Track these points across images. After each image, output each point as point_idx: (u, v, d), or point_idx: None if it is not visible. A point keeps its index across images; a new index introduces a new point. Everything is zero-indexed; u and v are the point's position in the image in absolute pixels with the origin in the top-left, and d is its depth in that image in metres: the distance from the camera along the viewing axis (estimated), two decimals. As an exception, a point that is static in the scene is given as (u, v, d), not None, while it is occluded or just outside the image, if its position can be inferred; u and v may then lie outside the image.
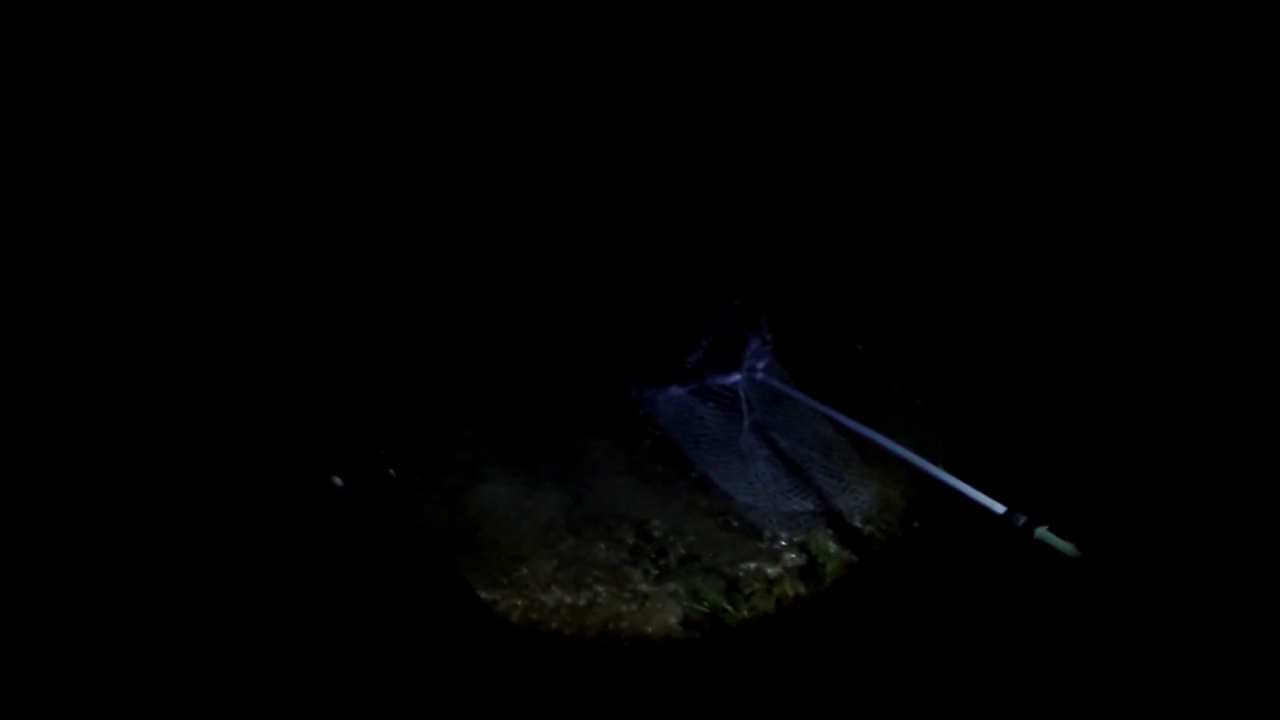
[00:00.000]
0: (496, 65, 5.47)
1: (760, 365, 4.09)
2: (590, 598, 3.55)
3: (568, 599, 3.56)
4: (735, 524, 3.79)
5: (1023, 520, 2.56)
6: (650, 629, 3.46)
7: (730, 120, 5.65)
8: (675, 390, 4.14)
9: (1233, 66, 4.65)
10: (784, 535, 3.74)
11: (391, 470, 3.99)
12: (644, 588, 3.58)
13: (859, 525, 3.78)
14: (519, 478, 4.13)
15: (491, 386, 4.60)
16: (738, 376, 4.07)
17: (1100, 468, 3.85)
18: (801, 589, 3.51)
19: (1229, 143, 4.72)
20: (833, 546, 3.66)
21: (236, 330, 4.44)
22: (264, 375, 4.28)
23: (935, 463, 3.34)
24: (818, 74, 5.59)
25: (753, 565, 3.61)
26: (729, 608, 3.42)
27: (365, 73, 5.28)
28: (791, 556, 3.63)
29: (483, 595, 3.52)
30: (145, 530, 3.19)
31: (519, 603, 3.51)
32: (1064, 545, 2.46)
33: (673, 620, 3.47)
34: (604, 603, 3.54)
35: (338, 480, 3.26)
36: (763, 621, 3.43)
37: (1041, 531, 2.50)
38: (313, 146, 5.21)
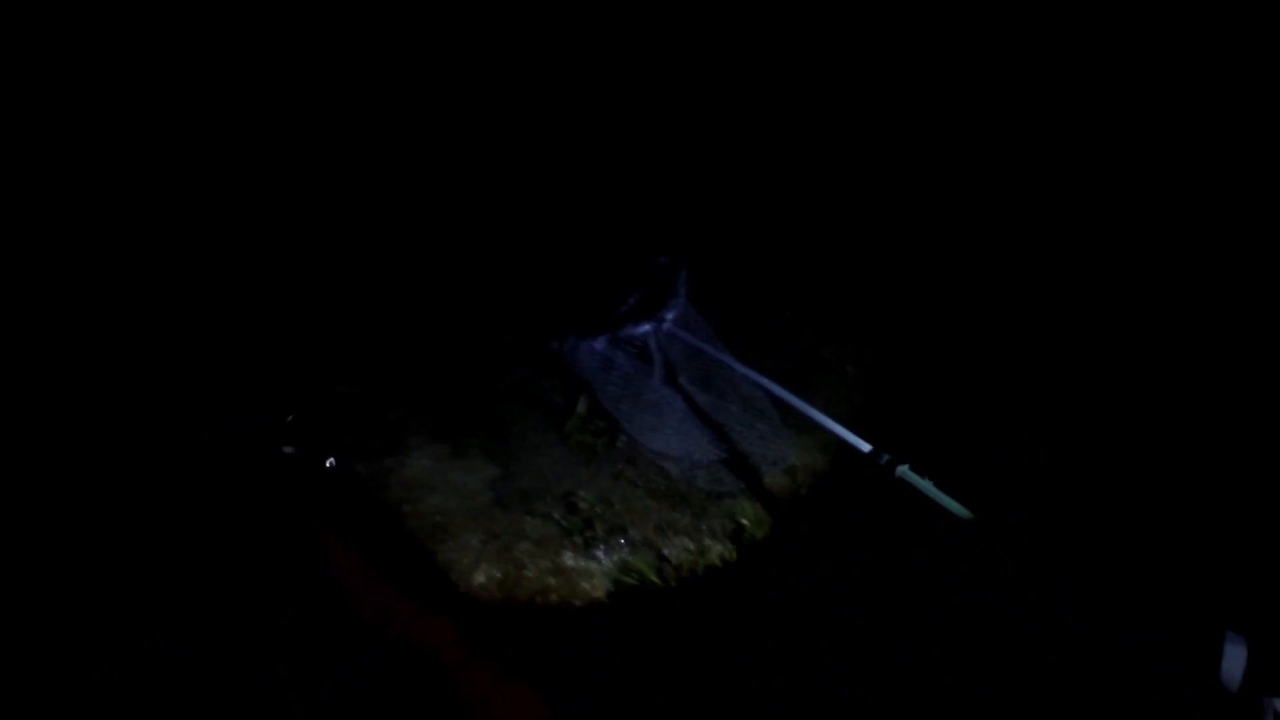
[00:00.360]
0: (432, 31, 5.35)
1: (670, 317, 4.00)
2: (518, 572, 3.49)
3: (496, 574, 3.50)
4: (663, 492, 3.75)
5: (885, 459, 2.57)
6: (578, 601, 3.42)
7: (669, 82, 5.56)
8: (592, 342, 4.05)
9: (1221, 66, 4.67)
10: (705, 491, 3.71)
11: (331, 460, 3.91)
12: (572, 561, 3.53)
13: (781, 484, 3.76)
14: (445, 449, 4.05)
15: (414, 355, 4.50)
16: (646, 327, 3.99)
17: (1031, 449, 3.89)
18: (729, 555, 3.48)
19: (1197, 131, 4.76)
20: (758, 512, 3.64)
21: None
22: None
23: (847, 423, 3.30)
24: (755, 30, 5.52)
25: (680, 535, 3.58)
26: (656, 579, 3.39)
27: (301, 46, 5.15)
28: (718, 524, 3.60)
29: (409, 571, 3.46)
30: (142, 530, 3.12)
31: (448, 577, 3.45)
32: (924, 484, 2.47)
33: (601, 592, 3.43)
34: (532, 576, 3.49)
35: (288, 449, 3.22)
36: (691, 589, 3.40)
37: (903, 470, 2.52)
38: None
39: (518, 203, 5.24)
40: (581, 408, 4.07)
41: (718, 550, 3.50)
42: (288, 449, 3.91)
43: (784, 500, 3.71)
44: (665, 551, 3.51)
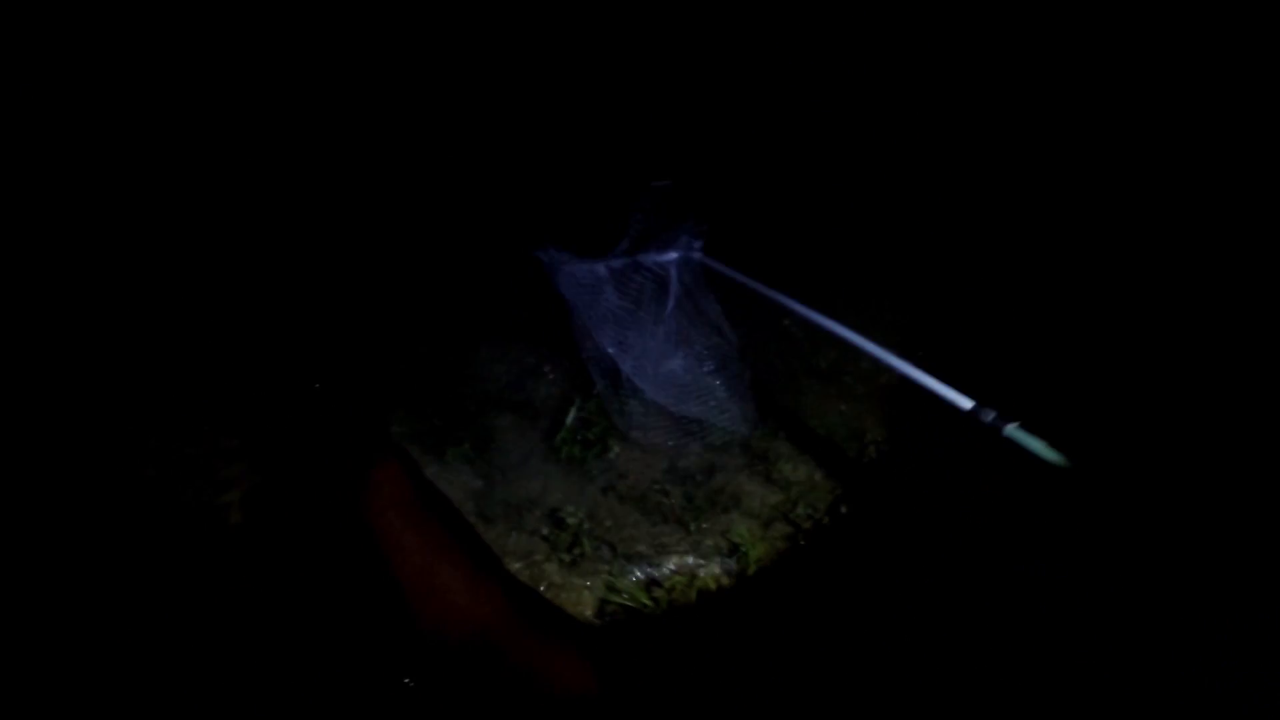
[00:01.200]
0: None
1: (698, 245, 3.76)
2: (502, 590, 3.34)
3: (478, 592, 3.34)
4: (654, 508, 3.61)
5: (991, 416, 2.24)
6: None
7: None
8: (592, 266, 3.75)
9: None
10: (700, 507, 3.57)
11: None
12: (558, 579, 3.38)
13: (778, 500, 3.63)
14: (428, 460, 3.90)
15: (394, 358, 4.35)
16: (673, 255, 3.72)
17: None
18: (725, 580, 3.34)
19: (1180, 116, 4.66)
20: (753, 531, 3.50)
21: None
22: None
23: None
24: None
25: (673, 554, 3.44)
26: (648, 601, 3.25)
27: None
28: (712, 543, 3.46)
29: (390, 589, 3.30)
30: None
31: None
32: (1038, 445, 2.13)
33: (588, 613, 3.29)
34: (516, 596, 3.33)
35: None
36: (683, 613, 3.26)
37: (1011, 429, 2.15)
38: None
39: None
40: (571, 418, 3.92)
41: (713, 576, 3.35)
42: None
43: (788, 528, 3.57)
44: (655, 572, 3.37)
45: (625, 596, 3.26)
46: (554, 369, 4.28)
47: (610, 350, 3.76)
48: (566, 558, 3.42)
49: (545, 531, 3.52)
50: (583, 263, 3.81)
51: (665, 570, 3.37)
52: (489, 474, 3.80)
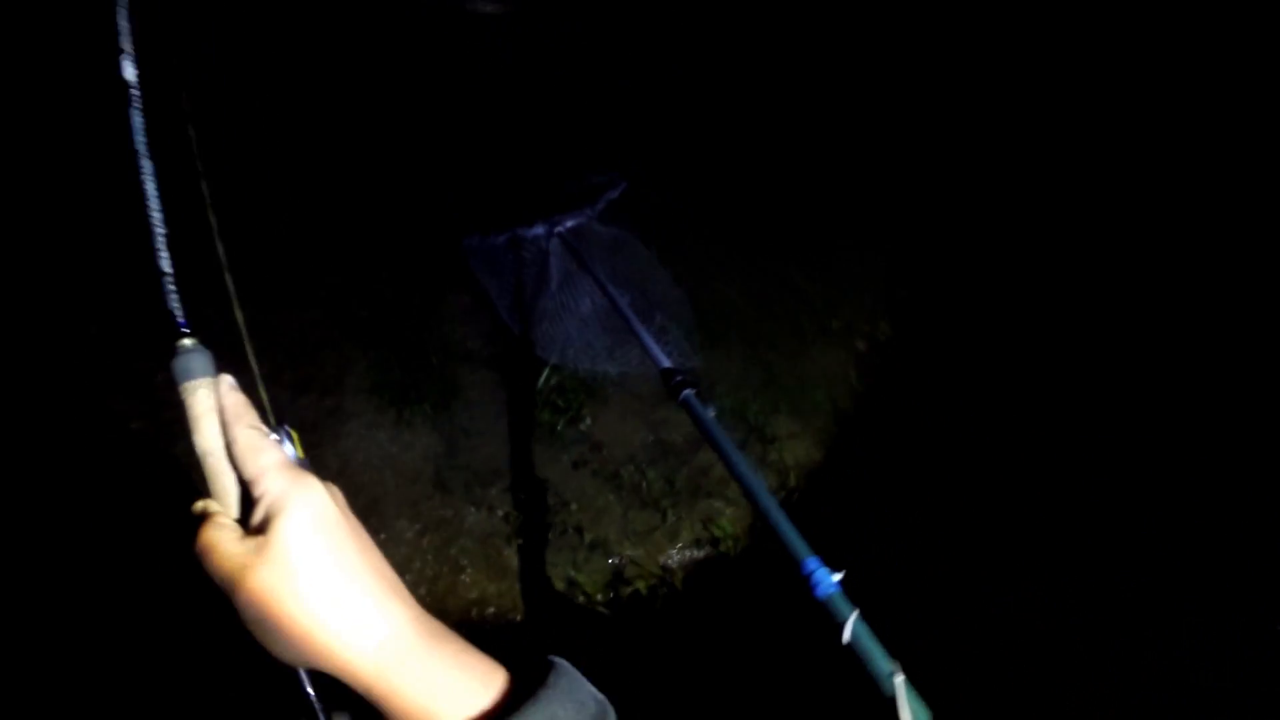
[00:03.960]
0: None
1: (569, 224, 3.47)
2: (454, 575, 2.98)
3: (429, 572, 2.99)
4: (628, 487, 3.19)
5: (677, 379, 2.06)
6: (519, 617, 2.92)
7: None
8: (493, 240, 3.52)
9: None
10: (679, 490, 3.15)
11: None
12: (516, 564, 3.00)
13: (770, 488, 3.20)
14: (386, 416, 3.50)
15: (357, 299, 3.91)
16: (540, 229, 3.46)
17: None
18: (700, 578, 2.94)
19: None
20: (736, 522, 3.08)
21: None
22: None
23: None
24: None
25: (643, 543, 3.04)
26: (610, 593, 2.86)
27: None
28: (690, 534, 3.05)
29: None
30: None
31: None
32: (703, 410, 1.94)
33: (547, 606, 2.92)
34: (469, 581, 2.98)
35: None
36: (648, 611, 2.88)
37: (688, 394, 2.00)
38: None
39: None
40: (544, 380, 3.48)
41: (685, 567, 2.95)
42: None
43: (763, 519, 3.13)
44: (623, 562, 2.97)
45: (585, 593, 2.88)
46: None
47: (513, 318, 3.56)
48: (527, 542, 3.03)
49: (506, 509, 3.12)
50: (490, 240, 3.54)
51: (634, 564, 2.97)
52: (451, 435, 3.39)
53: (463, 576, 2.99)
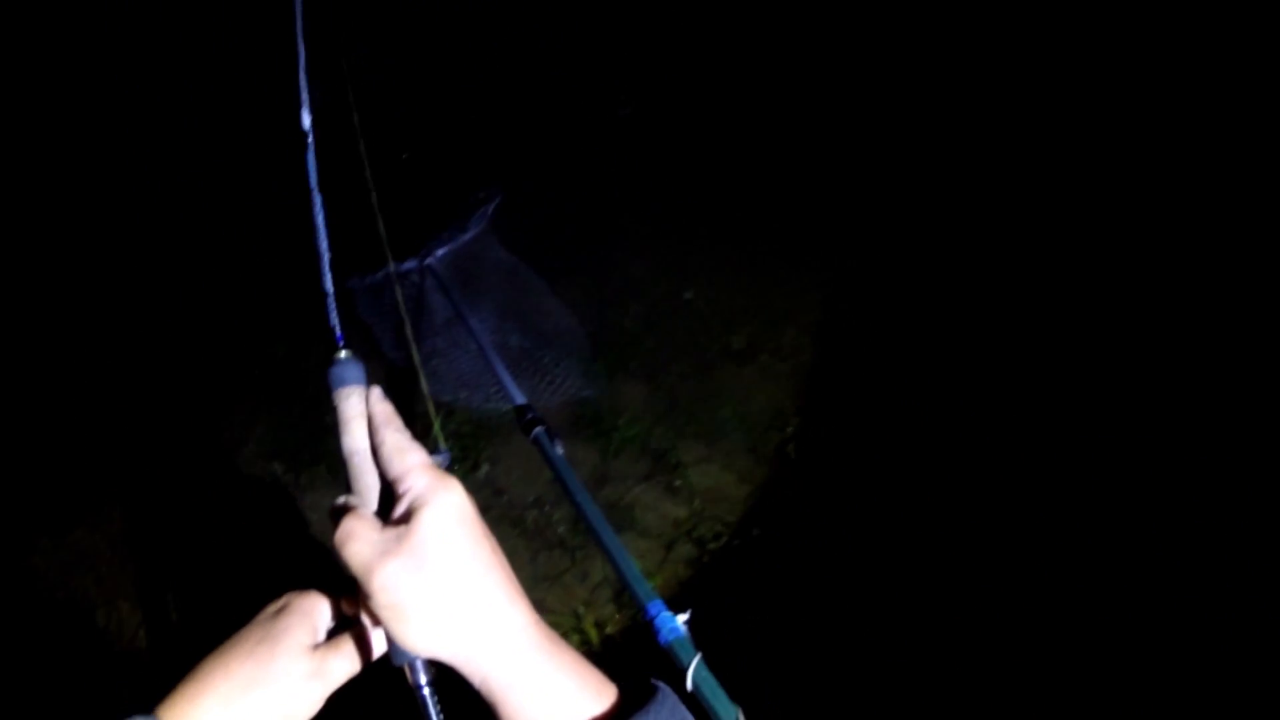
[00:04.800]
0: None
1: (439, 253, 3.35)
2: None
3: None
4: (534, 532, 3.11)
5: (530, 416, 2.03)
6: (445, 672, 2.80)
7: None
8: (371, 279, 3.39)
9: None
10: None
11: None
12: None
13: (681, 514, 3.12)
14: (286, 480, 3.40)
15: (249, 361, 3.81)
16: (412, 264, 3.34)
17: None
18: (615, 621, 2.86)
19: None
20: (655, 559, 3.00)
21: None
22: None
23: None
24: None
25: (556, 587, 2.95)
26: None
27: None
28: (601, 573, 2.97)
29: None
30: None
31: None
32: (554, 450, 1.92)
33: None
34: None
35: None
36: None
37: (539, 432, 1.96)
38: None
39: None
40: (436, 429, 3.38)
41: (599, 611, 2.87)
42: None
43: (688, 536, 3.07)
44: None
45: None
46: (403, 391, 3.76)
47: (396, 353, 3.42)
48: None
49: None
50: (368, 280, 3.40)
51: (546, 608, 2.88)
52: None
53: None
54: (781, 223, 4.15)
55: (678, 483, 3.22)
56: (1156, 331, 3.36)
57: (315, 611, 0.78)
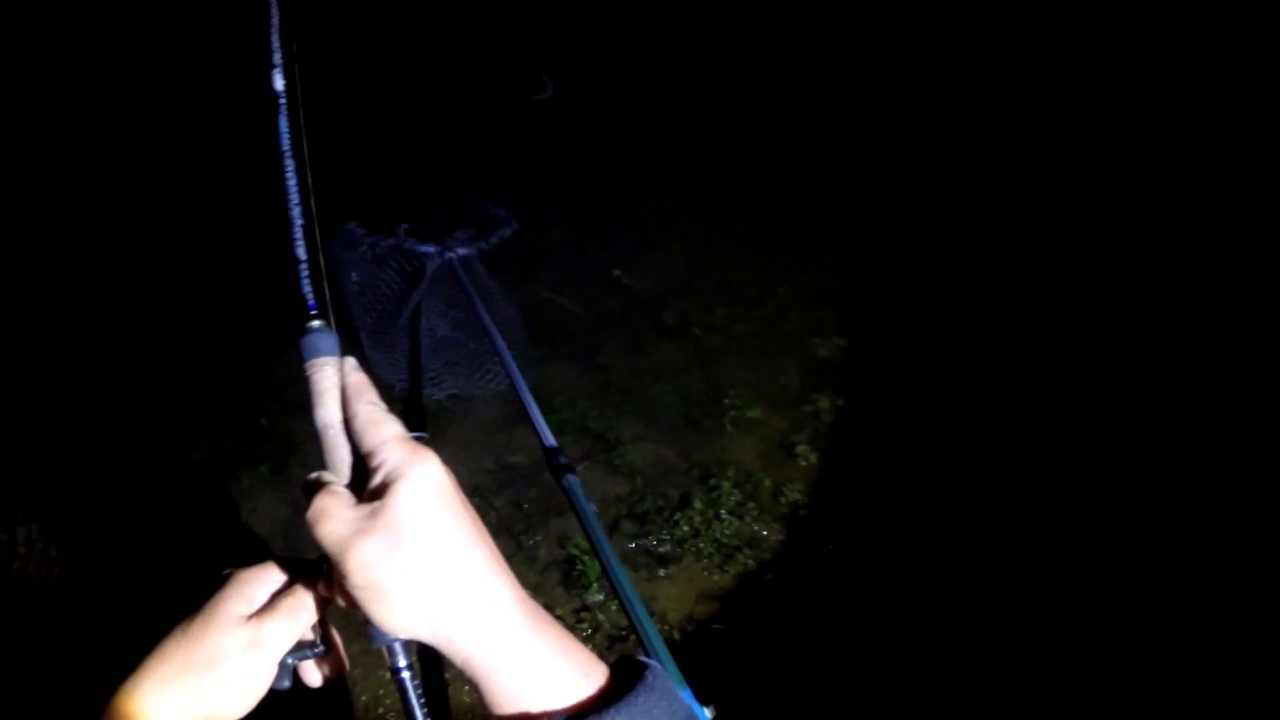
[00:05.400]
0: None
1: (462, 252, 3.35)
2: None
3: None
4: (496, 535, 3.11)
5: (560, 461, 2.00)
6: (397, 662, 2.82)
7: None
8: (377, 240, 3.35)
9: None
10: (531, 509, 3.10)
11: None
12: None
13: (621, 489, 3.18)
14: (228, 487, 3.36)
15: (186, 366, 3.74)
16: (431, 248, 3.33)
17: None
18: (564, 602, 2.90)
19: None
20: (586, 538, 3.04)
21: None
22: None
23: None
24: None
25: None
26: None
27: None
28: (547, 554, 3.01)
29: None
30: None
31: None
32: (584, 500, 1.86)
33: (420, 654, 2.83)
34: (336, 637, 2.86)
35: None
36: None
37: (570, 480, 1.92)
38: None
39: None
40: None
41: (546, 585, 2.91)
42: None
43: (631, 513, 3.12)
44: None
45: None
46: (364, 363, 3.72)
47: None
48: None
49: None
50: (373, 239, 3.34)
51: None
52: (293, 496, 3.27)
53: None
54: (710, 197, 4.20)
55: (618, 461, 3.27)
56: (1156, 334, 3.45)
57: (251, 581, 0.74)
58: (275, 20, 0.88)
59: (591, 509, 1.85)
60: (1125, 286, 3.73)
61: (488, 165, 4.38)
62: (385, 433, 0.66)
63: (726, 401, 3.47)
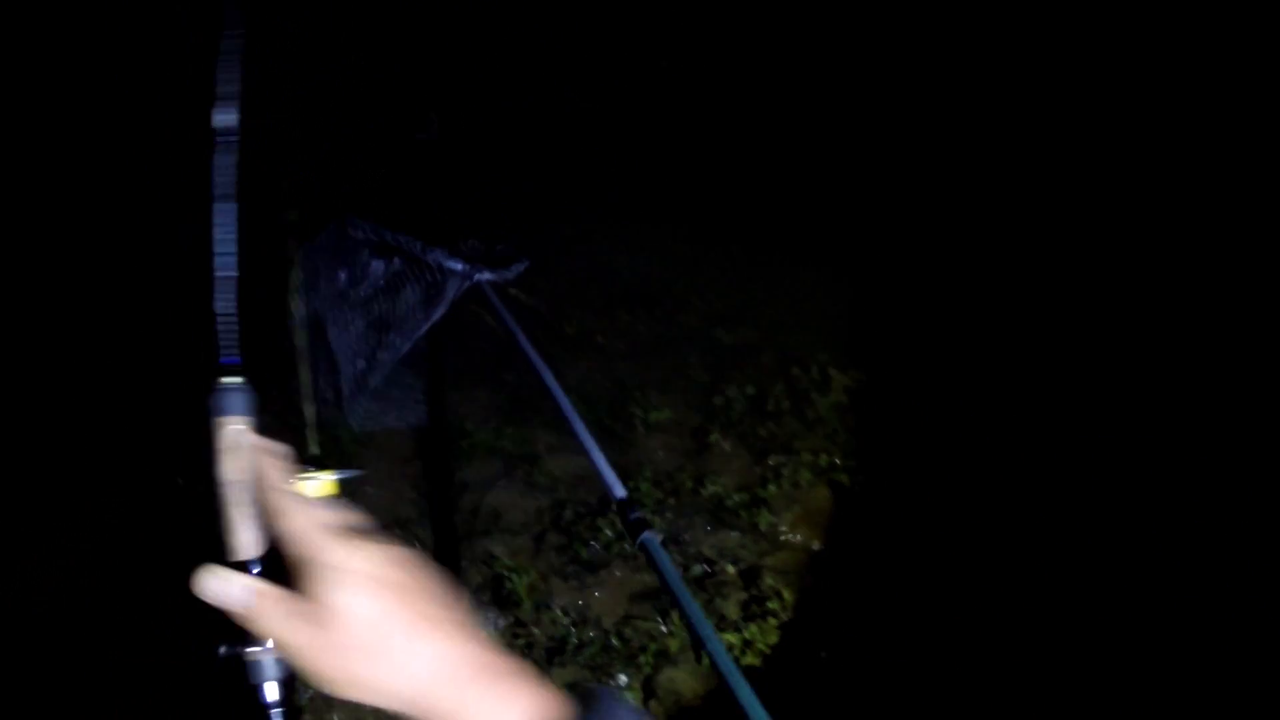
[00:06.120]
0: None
1: (488, 275, 3.41)
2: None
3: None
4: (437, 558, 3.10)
5: (635, 516, 1.92)
6: (335, 715, 2.79)
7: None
8: (403, 242, 3.36)
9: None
10: (459, 533, 3.10)
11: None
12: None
13: (531, 515, 3.20)
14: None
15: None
16: (458, 265, 3.36)
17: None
18: (495, 627, 2.90)
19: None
20: (525, 555, 3.06)
21: None
22: None
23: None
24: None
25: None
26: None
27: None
28: (477, 577, 3.01)
29: None
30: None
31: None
32: (665, 558, 1.76)
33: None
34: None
35: None
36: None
37: (647, 537, 1.83)
38: None
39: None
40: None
41: (477, 606, 2.90)
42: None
43: (556, 525, 3.15)
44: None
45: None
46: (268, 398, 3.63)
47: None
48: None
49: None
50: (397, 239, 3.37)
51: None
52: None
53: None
54: (604, 206, 4.26)
55: (536, 475, 3.29)
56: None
57: None
58: (230, 51, 0.81)
59: (675, 570, 1.74)
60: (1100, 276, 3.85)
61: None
62: (300, 522, 0.64)
63: (632, 406, 3.54)
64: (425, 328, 3.41)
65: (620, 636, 2.81)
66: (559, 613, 2.87)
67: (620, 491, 2.04)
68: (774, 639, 2.79)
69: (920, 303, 4.02)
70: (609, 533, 3.06)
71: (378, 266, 3.47)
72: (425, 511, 3.21)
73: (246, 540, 0.69)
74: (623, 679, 2.71)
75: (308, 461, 0.76)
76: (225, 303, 0.74)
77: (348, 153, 4.49)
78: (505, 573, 2.95)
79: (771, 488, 3.28)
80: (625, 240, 4.20)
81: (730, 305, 4.08)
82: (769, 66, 4.95)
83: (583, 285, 3.90)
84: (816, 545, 3.15)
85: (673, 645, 2.73)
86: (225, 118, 0.78)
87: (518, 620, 2.86)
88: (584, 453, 3.32)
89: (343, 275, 3.49)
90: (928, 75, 4.80)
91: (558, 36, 5.03)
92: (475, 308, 3.80)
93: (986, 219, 4.24)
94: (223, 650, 0.72)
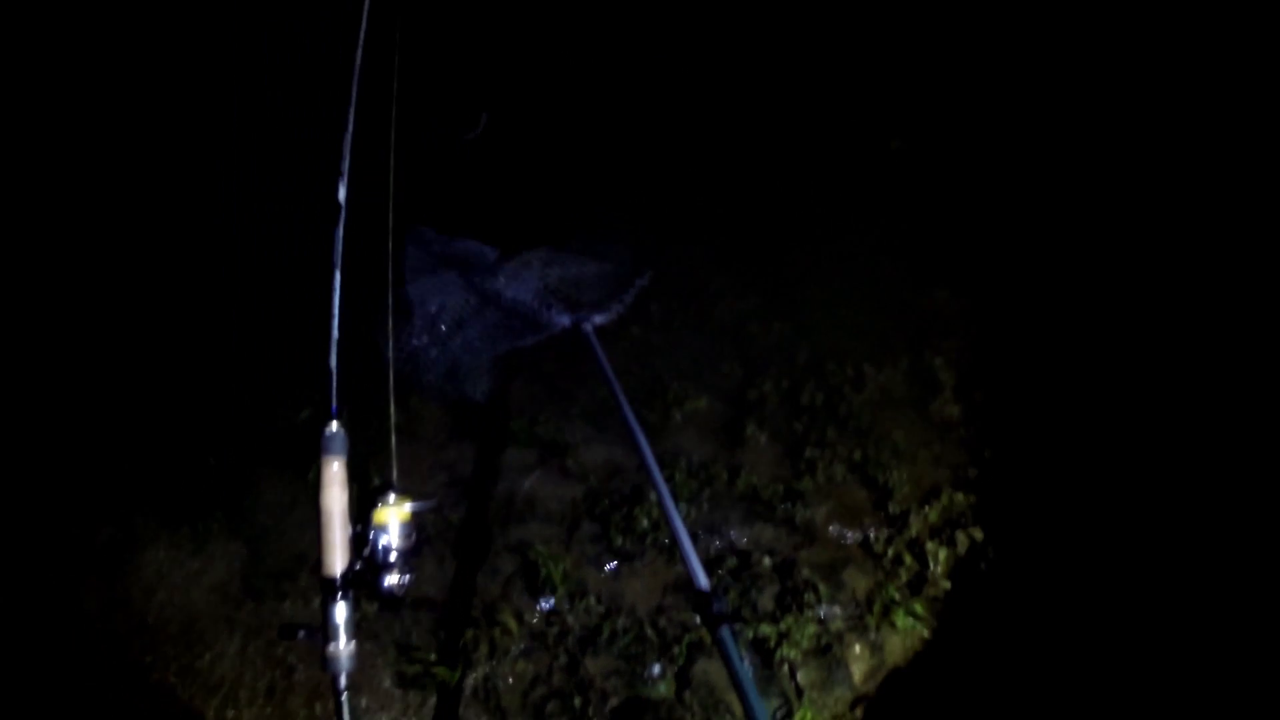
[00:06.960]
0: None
1: (596, 320, 3.53)
2: (287, 678, 2.88)
3: (261, 683, 2.87)
4: (441, 540, 3.15)
5: (717, 608, 1.84)
6: (364, 700, 2.84)
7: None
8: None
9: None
10: (505, 543, 3.13)
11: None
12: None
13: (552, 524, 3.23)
14: (181, 535, 3.32)
15: (125, 410, 3.67)
16: (566, 319, 3.53)
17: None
18: (534, 619, 2.93)
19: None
20: (559, 545, 3.08)
21: None
22: None
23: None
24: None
25: (466, 593, 3.01)
26: (445, 668, 2.80)
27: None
28: (511, 567, 3.04)
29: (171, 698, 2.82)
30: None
31: (212, 700, 2.80)
32: (737, 655, 1.73)
33: (386, 684, 2.86)
34: (302, 679, 2.87)
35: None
36: (490, 681, 2.82)
37: (724, 632, 1.78)
38: None
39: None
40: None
41: (513, 609, 2.94)
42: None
43: (590, 514, 3.18)
44: (457, 632, 2.91)
45: (419, 667, 2.82)
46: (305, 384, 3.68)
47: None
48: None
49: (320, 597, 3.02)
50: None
51: (461, 620, 2.93)
52: (253, 538, 3.26)
53: (296, 676, 2.90)
54: (634, 202, 4.29)
55: (570, 464, 3.32)
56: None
57: None
58: (350, 127, 0.88)
59: (747, 671, 1.74)
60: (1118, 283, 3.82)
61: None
62: None
63: (670, 395, 3.55)
64: (509, 347, 3.54)
65: (654, 626, 2.83)
66: (593, 600, 2.90)
67: (704, 582, 1.96)
68: (811, 630, 2.80)
69: (954, 305, 4.00)
70: (644, 523, 3.07)
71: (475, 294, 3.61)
72: (460, 496, 3.24)
73: (337, 559, 0.81)
74: (656, 669, 2.73)
75: (389, 488, 0.86)
76: (331, 359, 0.88)
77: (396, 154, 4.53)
78: (539, 560, 2.98)
79: (806, 481, 3.28)
80: (657, 234, 4.21)
81: (763, 301, 4.08)
82: (801, 58, 4.92)
83: (617, 274, 3.93)
84: (851, 539, 3.15)
85: (707, 637, 2.74)
86: (342, 192, 0.85)
87: (551, 609, 2.89)
88: (618, 443, 3.39)
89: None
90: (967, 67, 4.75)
91: (588, 38, 5.04)
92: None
93: (1027, 217, 4.19)
94: (301, 635, 0.83)
